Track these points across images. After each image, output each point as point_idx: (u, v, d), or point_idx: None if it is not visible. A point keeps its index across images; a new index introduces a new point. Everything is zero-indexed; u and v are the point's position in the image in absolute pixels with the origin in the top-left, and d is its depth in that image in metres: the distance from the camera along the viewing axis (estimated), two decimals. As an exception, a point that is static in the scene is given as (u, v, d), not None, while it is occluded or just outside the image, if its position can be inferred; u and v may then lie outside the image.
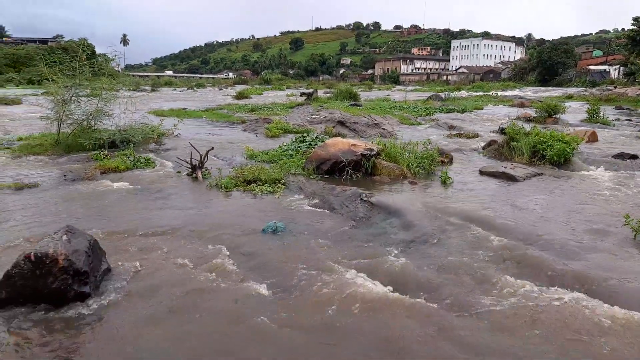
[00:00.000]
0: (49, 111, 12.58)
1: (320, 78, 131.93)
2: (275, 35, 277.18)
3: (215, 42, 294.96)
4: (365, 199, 7.51)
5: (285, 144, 12.37)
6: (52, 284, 3.95)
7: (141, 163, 10.37)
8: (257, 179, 8.78)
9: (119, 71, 22.83)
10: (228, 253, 5.49)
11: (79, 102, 12.70)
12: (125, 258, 5.20)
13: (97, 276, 4.37)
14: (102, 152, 11.17)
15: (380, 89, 69.22)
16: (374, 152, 9.52)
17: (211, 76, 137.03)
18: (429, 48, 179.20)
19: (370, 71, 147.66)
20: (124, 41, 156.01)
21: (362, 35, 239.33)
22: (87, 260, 4.18)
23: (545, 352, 3.61)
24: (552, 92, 47.97)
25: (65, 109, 12.31)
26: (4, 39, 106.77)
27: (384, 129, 16.17)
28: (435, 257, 5.43)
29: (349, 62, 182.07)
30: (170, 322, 3.96)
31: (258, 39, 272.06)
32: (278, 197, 8.01)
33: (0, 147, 12.72)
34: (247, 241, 5.97)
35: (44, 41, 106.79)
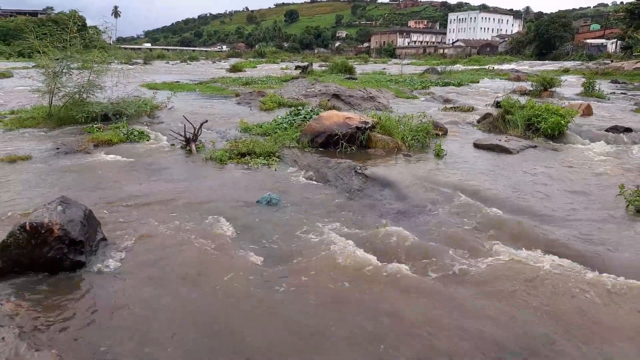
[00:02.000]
0: (40, 84, 12.40)
1: (316, 51, 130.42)
2: (269, 8, 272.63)
3: (208, 15, 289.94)
4: (359, 171, 7.54)
5: (279, 117, 12.30)
6: (48, 253, 3.98)
7: (135, 136, 10.31)
8: (252, 152, 8.77)
9: (110, 44, 22.44)
10: (223, 224, 5.52)
11: (71, 74, 12.50)
12: (121, 228, 5.22)
13: (93, 246, 4.41)
14: (94, 125, 11.09)
15: (376, 63, 68.54)
16: (369, 125, 9.50)
17: (204, 49, 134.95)
18: (425, 21, 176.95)
19: (366, 44, 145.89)
20: (115, 13, 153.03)
21: (358, 7, 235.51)
22: (82, 230, 4.21)
23: (529, 315, 3.71)
24: (549, 66, 47.73)
25: (56, 82, 12.13)
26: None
27: (379, 102, 16.10)
28: (427, 227, 5.50)
29: (344, 35, 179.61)
30: (165, 290, 4.01)
31: (252, 11, 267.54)
32: (273, 170, 8.03)
33: (-8, 120, 12.58)
34: (242, 213, 6.00)
35: (33, 13, 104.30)
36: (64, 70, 12.32)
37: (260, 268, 4.51)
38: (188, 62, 65.88)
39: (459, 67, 46.99)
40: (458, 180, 7.24)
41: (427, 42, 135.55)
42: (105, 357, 3.14)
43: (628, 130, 11.19)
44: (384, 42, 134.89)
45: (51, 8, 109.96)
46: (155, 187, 7.00)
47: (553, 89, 20.11)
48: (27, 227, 3.96)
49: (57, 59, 12.32)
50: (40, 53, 12.53)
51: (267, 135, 10.49)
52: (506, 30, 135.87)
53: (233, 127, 11.68)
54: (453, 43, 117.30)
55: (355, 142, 9.27)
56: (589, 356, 3.25)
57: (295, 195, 6.75)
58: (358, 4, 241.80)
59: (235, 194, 6.74)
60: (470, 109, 15.57)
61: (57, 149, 9.25)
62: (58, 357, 3.01)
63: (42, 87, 12.34)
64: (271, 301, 3.91)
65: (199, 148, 9.37)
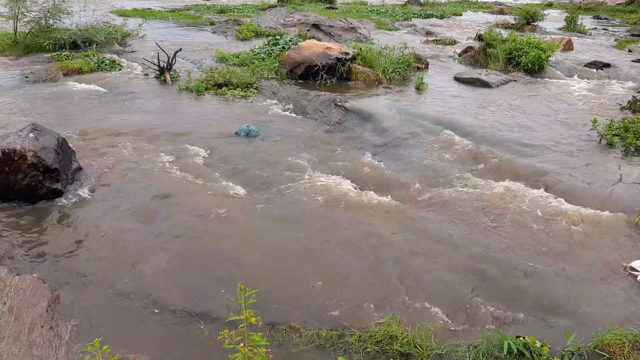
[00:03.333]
0: (4, 9, 11.64)
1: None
2: None
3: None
4: (339, 104, 7.46)
5: (257, 47, 11.90)
6: (23, 180, 3.92)
7: (106, 65, 9.90)
8: (229, 83, 8.56)
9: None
10: (201, 154, 5.49)
11: (35, -1, 11.74)
12: (96, 158, 5.15)
13: (69, 174, 4.35)
14: (63, 53, 10.57)
15: (357, -7, 65.97)
16: (350, 57, 9.29)
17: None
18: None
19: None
20: None
21: None
22: (56, 158, 4.13)
23: (494, 238, 3.89)
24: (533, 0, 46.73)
25: (19, 6, 11.39)
26: None
27: (360, 33, 15.67)
28: (405, 159, 5.57)
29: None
30: (143, 219, 4.03)
31: None
32: (251, 102, 7.88)
33: (-49, 46, 11.87)
34: (220, 144, 5.95)
35: None
36: (27, -7, 11.55)
37: (241, 196, 4.55)
38: (160, -12, 62.34)
39: (442, -2, 45.60)
40: (438, 114, 7.24)
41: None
42: (84, 278, 3.19)
43: (607, 65, 11.21)
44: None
45: None
46: (130, 117, 6.84)
47: (536, 23, 19.80)
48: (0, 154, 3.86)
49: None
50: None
51: (244, 66, 10.19)
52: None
53: (208, 57, 11.28)
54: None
55: (335, 74, 9.09)
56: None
57: (274, 128, 6.68)
58: None
59: (212, 126, 6.63)
60: (452, 42, 15.30)
61: (26, 77, 8.84)
62: (39, 280, 3.04)
63: (6, 13, 11.59)
64: (252, 225, 3.97)
65: (173, 78, 9.08)
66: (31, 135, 4.13)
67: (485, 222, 4.17)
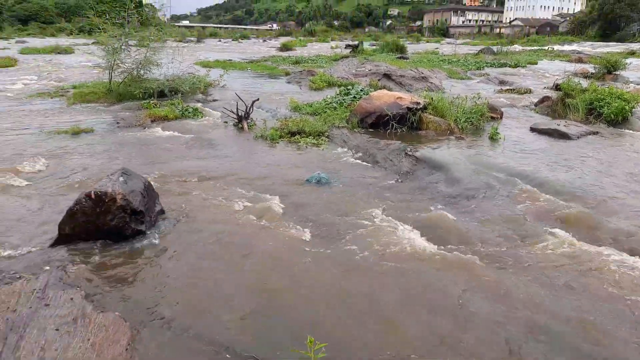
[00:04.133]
0: (101, 60, 12.93)
1: (366, 30, 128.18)
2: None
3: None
4: (410, 153, 7.45)
5: (329, 96, 12.28)
6: (112, 221, 4.21)
7: (189, 113, 10.60)
8: (302, 131, 8.83)
9: (165, 22, 22.96)
10: (273, 200, 5.63)
11: (129, 51, 12.95)
12: (178, 201, 5.43)
13: (152, 216, 4.61)
14: (151, 101, 11.46)
15: (428, 42, 66.83)
16: (421, 106, 9.33)
17: (255, 27, 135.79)
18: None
19: (418, 23, 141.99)
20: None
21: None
22: (142, 201, 4.41)
23: (580, 307, 3.60)
24: (613, 48, 44.93)
25: (115, 58, 12.61)
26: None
27: (431, 82, 15.74)
28: (479, 212, 5.39)
29: (396, 13, 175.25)
30: (219, 263, 4.17)
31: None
32: (322, 149, 8.06)
33: (57, 94, 13.25)
34: (291, 190, 6.09)
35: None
36: (123, 47, 12.77)
37: (309, 244, 4.58)
38: (239, 40, 66.71)
39: (516, 47, 45.01)
40: (514, 165, 7.02)
41: (483, 21, 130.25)
42: (163, 319, 3.32)
43: (701, 117, 10.44)
44: (437, 20, 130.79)
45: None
46: (209, 163, 7.20)
47: (617, 72, 18.97)
48: (92, 196, 4.19)
49: (116, 36, 12.77)
50: (99, 30, 13.04)
51: (316, 115, 10.52)
52: (568, 9, 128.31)
53: (283, 106, 11.78)
54: (510, 22, 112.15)
55: (405, 123, 9.14)
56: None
57: (345, 175, 6.76)
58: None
59: (285, 172, 6.83)
60: (528, 92, 14.97)
61: (117, 123, 9.66)
62: (121, 319, 3.20)
63: (102, 63, 12.85)
64: (322, 274, 3.98)
65: (250, 126, 9.52)
66: (121, 179, 4.47)
67: (574, 288, 3.89)
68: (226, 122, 9.95)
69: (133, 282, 3.78)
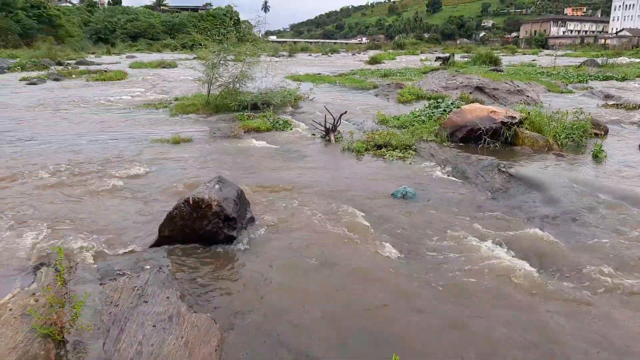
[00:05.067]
0: (201, 74, 13.80)
1: (458, 42, 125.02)
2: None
3: (350, 7, 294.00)
4: (503, 169, 7.10)
5: (417, 109, 12.11)
6: (207, 226, 4.44)
7: (279, 125, 10.96)
8: (388, 144, 8.77)
9: (259, 37, 24.03)
10: (359, 213, 5.62)
11: (226, 66, 13.69)
12: (267, 209, 5.61)
13: (243, 223, 4.80)
14: (245, 113, 12.02)
15: (525, 54, 63.67)
16: (516, 120, 8.88)
17: (345, 41, 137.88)
18: (584, 8, 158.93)
19: (514, 34, 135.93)
20: (265, 8, 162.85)
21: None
22: (235, 208, 4.61)
23: None
24: None
25: (214, 72, 13.39)
26: (161, 7, 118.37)
27: (527, 96, 14.95)
28: (582, 236, 4.98)
29: (490, 25, 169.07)
30: (304, 272, 4.23)
31: (394, 2, 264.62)
32: (409, 163, 7.94)
33: (160, 105, 14.33)
34: (377, 204, 6.04)
35: (195, 9, 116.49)
36: (221, 62, 13.53)
37: (396, 260, 4.51)
38: (329, 54, 68.07)
39: (623, 59, 41.49)
40: (619, 186, 6.43)
41: (586, 32, 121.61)
42: (250, 323, 3.42)
43: None
44: (535, 31, 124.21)
45: (209, 4, 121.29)
46: (297, 174, 7.37)
47: None
48: (190, 201, 4.45)
49: (215, 52, 13.57)
50: (200, 45, 13.96)
51: (404, 128, 10.40)
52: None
53: (370, 119, 11.79)
54: (617, 32, 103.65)
55: (499, 138, 8.74)
56: None
57: (432, 191, 6.60)
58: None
59: (370, 185, 6.81)
60: (637, 107, 13.71)
61: (214, 133, 10.23)
62: (212, 320, 3.35)
63: (203, 77, 13.70)
64: (408, 293, 3.89)
65: (337, 138, 9.63)
66: (217, 186, 4.71)
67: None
68: (314, 134, 10.15)
69: (224, 285, 3.95)
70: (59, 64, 33.57)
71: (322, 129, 9.91)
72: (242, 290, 3.90)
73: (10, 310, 3.32)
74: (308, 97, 15.26)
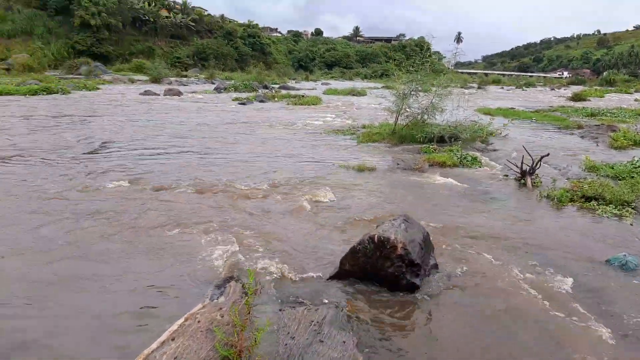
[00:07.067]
0: (390, 104, 13.86)
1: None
2: (627, 30, 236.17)
3: (552, 39, 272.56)
4: None
5: (637, 158, 10.24)
6: (389, 268, 4.17)
7: (467, 161, 10.29)
8: (599, 197, 7.49)
9: (449, 68, 23.52)
10: (559, 277, 4.78)
11: (417, 96, 13.52)
12: (452, 257, 5.13)
13: (427, 270, 4.42)
14: (431, 146, 11.62)
15: None
16: None
17: (543, 75, 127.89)
18: None
19: None
20: (458, 39, 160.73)
21: None
22: (420, 252, 4.27)
23: None
24: None
25: (404, 103, 13.32)
26: (357, 38, 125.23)
27: None
28: None
29: None
30: (495, 332, 3.69)
31: (604, 34, 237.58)
32: (629, 224, 6.61)
33: (348, 132, 14.78)
34: (585, 270, 5.08)
35: (388, 40, 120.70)
36: (412, 93, 13.41)
37: (611, 346, 3.64)
38: (523, 88, 63.74)
39: None
40: None
41: None
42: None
43: None
44: None
45: (403, 35, 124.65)
46: (485, 219, 6.70)
47: None
48: (375, 240, 4.24)
49: (406, 82, 13.50)
50: (391, 75, 14.05)
51: (620, 179, 8.84)
52: None
53: (575, 164, 10.36)
54: None
55: None
56: None
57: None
58: None
59: (575, 245, 5.80)
60: None
61: (397, 164, 10.05)
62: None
63: (392, 107, 13.74)
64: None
65: (535, 183, 8.60)
66: (402, 226, 4.42)
67: None
68: (506, 176, 9.25)
69: (400, 338, 3.61)
70: (265, 87, 37.65)
71: (517, 170, 8.97)
72: (422, 344, 3.51)
73: (198, 322, 3.48)
74: (500, 133, 14.21)
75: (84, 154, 10.05)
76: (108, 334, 3.66)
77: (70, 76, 40.05)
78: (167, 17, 77.06)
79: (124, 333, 3.68)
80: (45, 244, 5.26)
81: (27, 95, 22.88)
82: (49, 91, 24.60)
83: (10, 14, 58.88)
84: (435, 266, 4.65)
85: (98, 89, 30.12)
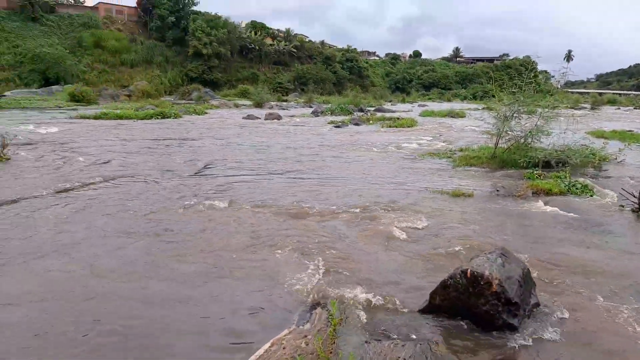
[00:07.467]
0: (490, 126, 13.22)
1: None
2: None
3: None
4: None
5: None
6: (483, 306, 3.89)
7: (577, 189, 9.45)
8: None
9: (558, 88, 22.02)
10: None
11: (520, 119, 12.78)
12: (558, 296, 4.67)
13: (526, 310, 4.06)
14: (535, 171, 10.86)
15: None
16: None
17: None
18: None
19: None
20: (568, 57, 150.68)
21: None
22: (518, 290, 3.93)
23: None
24: None
25: (505, 125, 12.64)
26: (458, 58, 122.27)
27: None
28: None
29: None
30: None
31: None
32: None
33: (444, 155, 14.32)
34: None
35: (490, 60, 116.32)
36: (514, 115, 12.69)
37: None
38: (644, 108, 57.92)
39: None
40: None
41: None
42: None
43: None
44: None
45: (507, 54, 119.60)
46: (597, 254, 6.06)
47: None
48: (468, 274, 3.99)
49: (509, 104, 12.80)
50: (492, 97, 13.41)
51: None
52: None
53: None
54: None
55: None
56: None
57: None
58: None
59: None
60: None
61: (497, 191, 9.50)
62: None
63: (492, 130, 13.10)
64: None
65: (662, 215, 7.66)
66: (499, 260, 4.12)
67: None
68: (622, 206, 8.33)
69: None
70: (361, 110, 38.00)
71: (635, 200, 8.06)
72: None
73: (283, 348, 3.49)
74: (615, 159, 12.93)
75: (189, 175, 10.72)
76: (200, 353, 3.78)
77: (183, 101, 43.56)
78: (271, 44, 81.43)
79: (215, 352, 3.78)
80: (131, 266, 5.37)
81: (144, 119, 25.19)
82: (163, 115, 26.87)
83: (133, 46, 65.72)
84: (537, 305, 4.25)
85: (206, 113, 32.33)
